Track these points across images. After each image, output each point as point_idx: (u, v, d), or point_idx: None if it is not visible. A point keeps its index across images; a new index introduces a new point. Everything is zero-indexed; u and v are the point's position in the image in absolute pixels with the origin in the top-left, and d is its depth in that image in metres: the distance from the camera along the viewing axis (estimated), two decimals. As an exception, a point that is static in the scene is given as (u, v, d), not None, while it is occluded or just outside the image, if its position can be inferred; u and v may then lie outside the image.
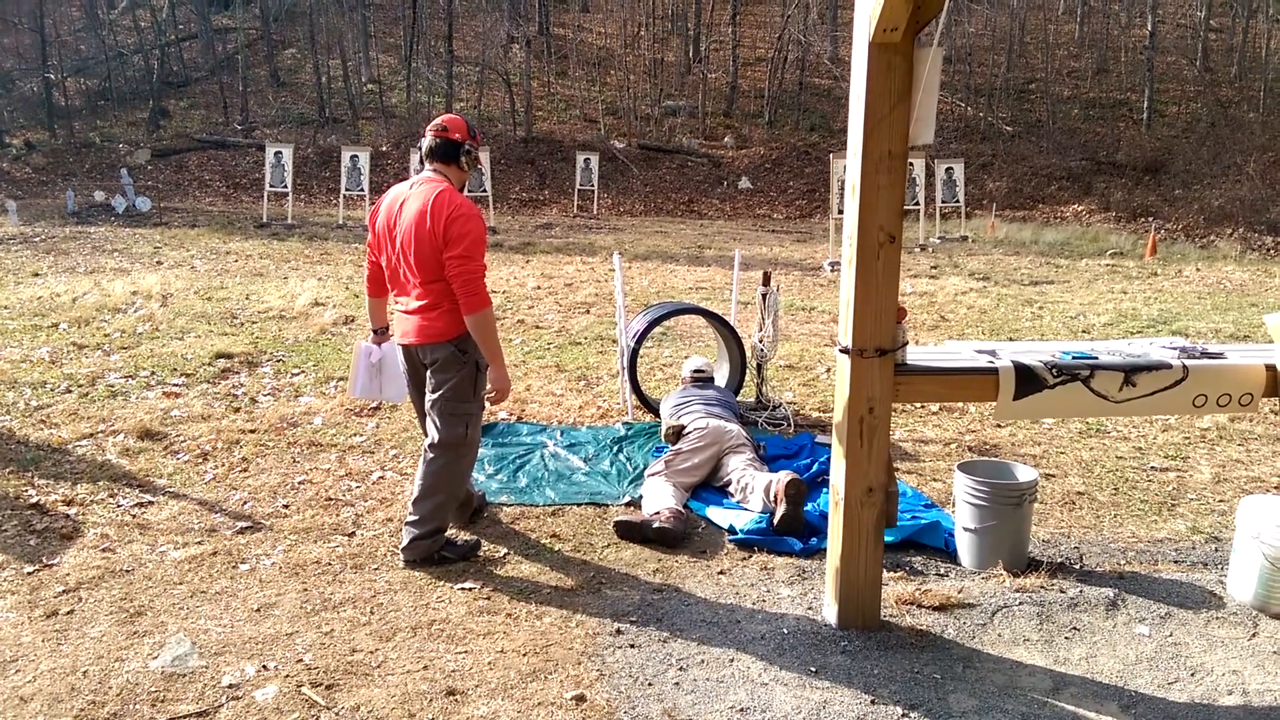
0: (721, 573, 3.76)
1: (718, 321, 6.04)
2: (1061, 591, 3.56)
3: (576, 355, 7.46)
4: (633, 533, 4.05)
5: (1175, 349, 3.50)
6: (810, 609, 3.43)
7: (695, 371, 5.57)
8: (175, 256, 12.51)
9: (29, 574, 3.64)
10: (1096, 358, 3.36)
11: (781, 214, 22.77)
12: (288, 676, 2.95)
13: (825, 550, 3.84)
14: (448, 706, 2.81)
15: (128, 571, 3.68)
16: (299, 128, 25.39)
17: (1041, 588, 3.58)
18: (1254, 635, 3.29)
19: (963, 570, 3.80)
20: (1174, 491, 4.75)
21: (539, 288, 10.78)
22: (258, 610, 3.39)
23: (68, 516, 4.18)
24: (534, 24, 31.95)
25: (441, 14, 29.50)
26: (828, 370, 7.08)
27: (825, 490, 4.35)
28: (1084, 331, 8.88)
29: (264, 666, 3.01)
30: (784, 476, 4.16)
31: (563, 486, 4.67)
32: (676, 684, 2.94)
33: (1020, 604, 3.46)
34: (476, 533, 4.09)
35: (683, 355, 7.58)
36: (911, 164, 15.00)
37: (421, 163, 3.83)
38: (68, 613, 3.35)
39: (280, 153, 16.82)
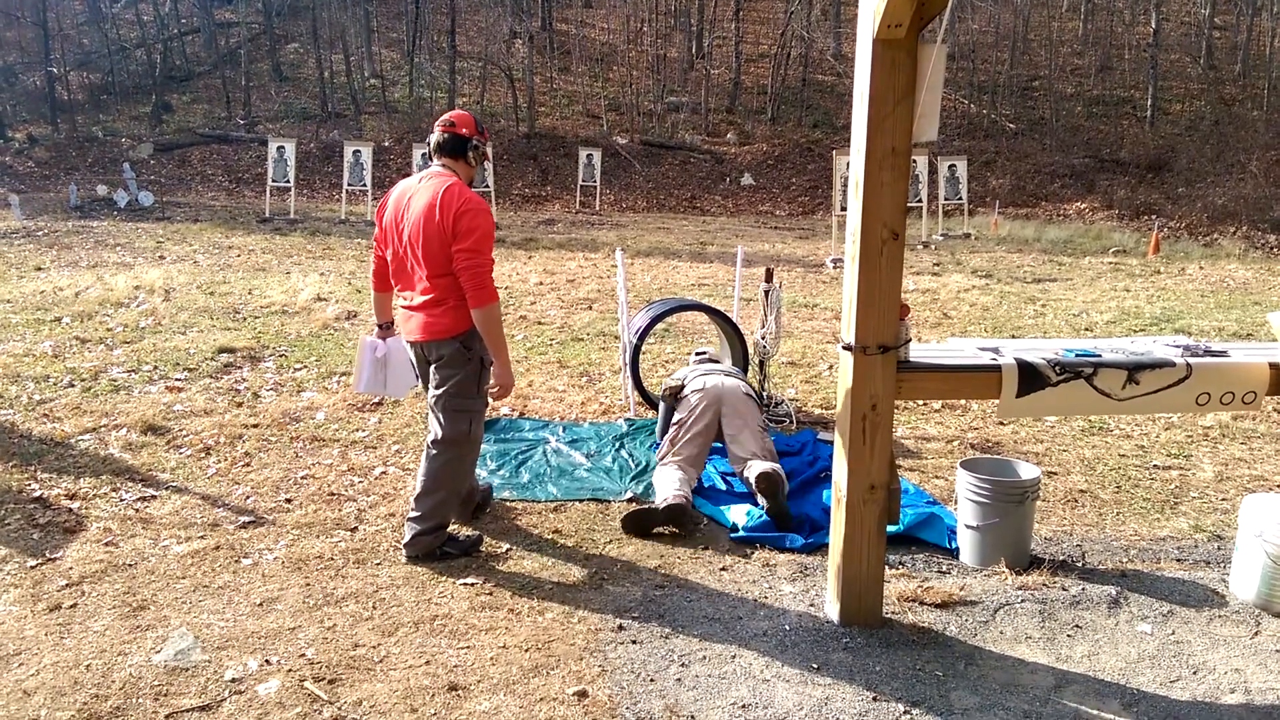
0: (723, 569, 3.76)
1: (720, 318, 6.03)
2: (1064, 589, 3.56)
3: (579, 351, 7.46)
4: (641, 523, 4.05)
5: (1178, 347, 3.49)
6: (812, 606, 3.43)
7: (699, 353, 5.47)
8: (178, 251, 12.52)
9: (32, 568, 3.65)
10: (1099, 355, 3.36)
11: (784, 210, 22.75)
12: (290, 671, 2.96)
13: (827, 546, 3.85)
14: (450, 701, 2.81)
15: (130, 566, 3.69)
16: (301, 122, 25.39)
17: (1044, 585, 3.58)
18: (1256, 634, 3.29)
19: (965, 568, 3.80)
20: (1177, 490, 4.74)
21: (541, 284, 10.78)
22: (260, 605, 3.39)
23: (70, 511, 4.19)
24: (537, 19, 31.92)
25: (444, 9, 29.48)
26: (830, 367, 7.08)
27: (828, 486, 4.34)
28: (1087, 329, 8.88)
29: (266, 661, 3.01)
30: (756, 468, 4.22)
31: (565, 482, 4.67)
32: (678, 680, 2.94)
33: (1022, 602, 3.46)
34: (479, 528, 4.09)
35: (685, 352, 7.58)
36: (914, 161, 14.97)
37: (428, 158, 3.83)
38: (71, 607, 3.36)
39: (283, 147, 16.81)
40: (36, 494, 4.34)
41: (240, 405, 5.77)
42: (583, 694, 2.86)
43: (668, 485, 4.24)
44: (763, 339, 5.93)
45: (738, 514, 4.23)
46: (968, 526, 3.80)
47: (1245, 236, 17.88)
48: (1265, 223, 18.54)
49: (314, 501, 4.38)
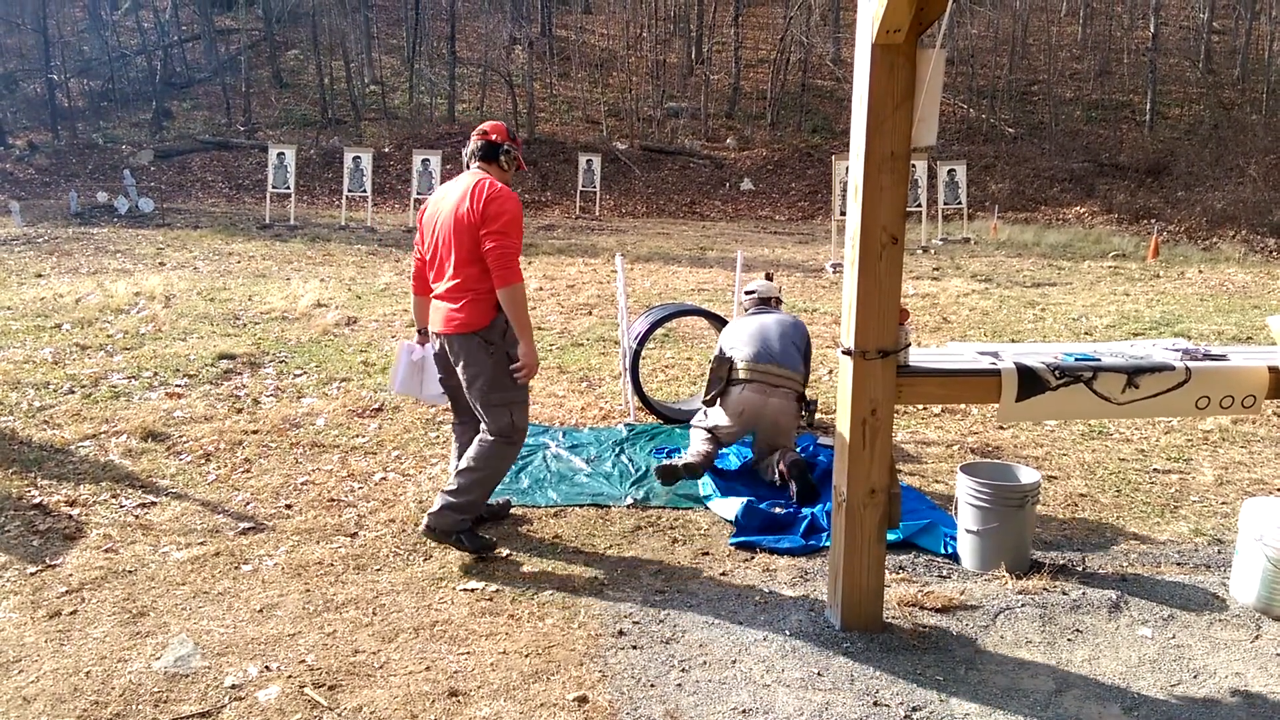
0: (724, 574, 3.76)
1: (720, 323, 6.03)
2: (1064, 593, 3.56)
3: (579, 357, 7.47)
4: (668, 474, 4.52)
5: (1178, 351, 3.49)
6: (813, 610, 3.43)
7: (748, 293, 5.34)
8: (178, 257, 12.53)
9: (32, 574, 3.65)
10: (1099, 359, 3.36)
11: (784, 215, 22.76)
12: (290, 677, 2.95)
13: (827, 550, 3.85)
14: (450, 707, 2.81)
15: (130, 572, 3.69)
16: (302, 129, 25.42)
17: (1044, 590, 3.58)
18: (1257, 637, 3.29)
19: (965, 572, 3.79)
20: (1176, 494, 4.74)
21: (541, 289, 10.78)
22: (260, 611, 3.39)
23: (70, 517, 4.19)
24: (536, 25, 31.98)
25: (444, 15, 29.54)
26: (830, 372, 7.08)
27: (828, 490, 4.35)
28: (1086, 333, 8.88)
29: (266, 667, 3.01)
30: (785, 458, 4.61)
31: (565, 487, 4.67)
32: (679, 685, 2.94)
33: (1023, 606, 3.46)
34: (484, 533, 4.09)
35: (685, 357, 7.59)
36: (914, 166, 15.00)
37: (466, 166, 3.95)
38: (71, 613, 3.36)
39: (283, 154, 16.83)
40: (36, 500, 4.34)
41: (240, 411, 5.77)
42: (583, 699, 2.85)
43: (695, 445, 4.75)
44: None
45: (728, 507, 4.31)
46: (968, 531, 3.80)
47: (1244, 240, 17.89)
48: (1264, 226, 18.55)
49: (314, 507, 4.38)
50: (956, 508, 3.89)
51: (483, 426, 3.85)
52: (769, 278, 5.85)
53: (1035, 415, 3.39)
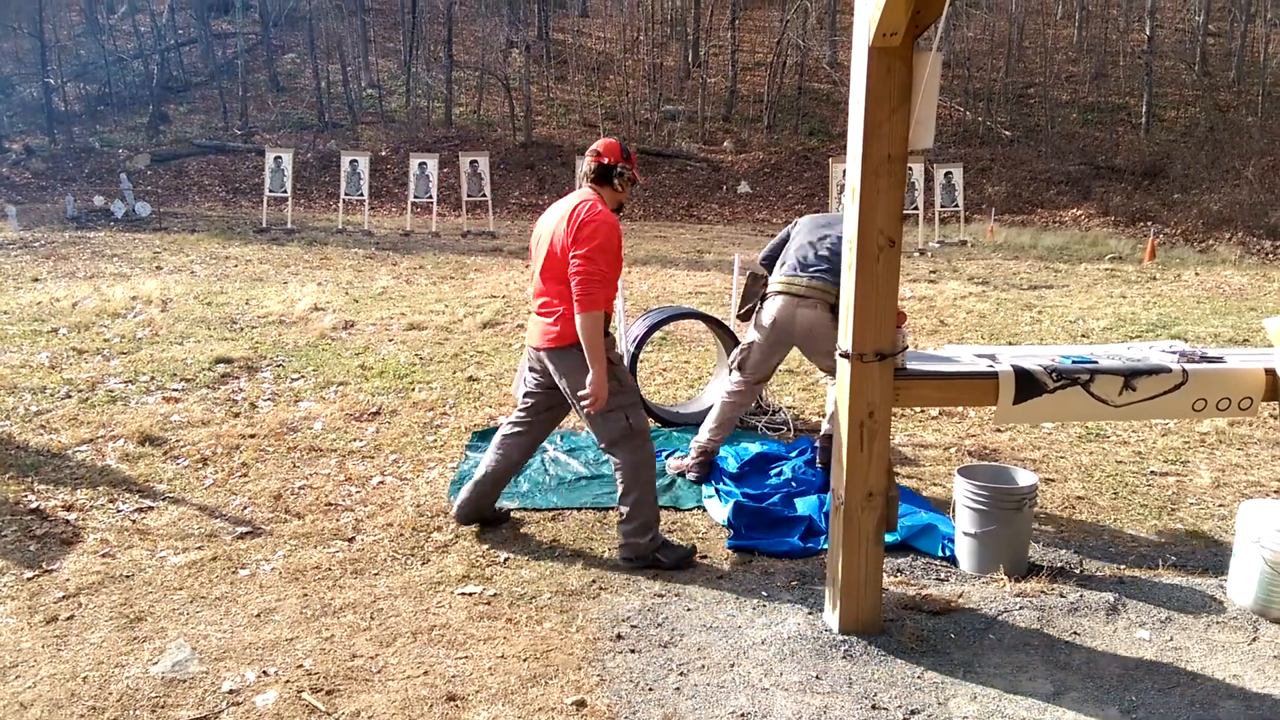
0: (721, 577, 3.75)
1: (718, 326, 6.04)
2: (1062, 596, 3.56)
3: (576, 360, 7.46)
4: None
5: (1175, 353, 3.50)
6: (811, 614, 3.43)
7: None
8: (175, 261, 12.52)
9: (29, 579, 3.64)
10: (1096, 362, 3.37)
11: (781, 218, 22.76)
12: (288, 682, 2.95)
13: (825, 552, 3.86)
14: (448, 712, 2.80)
15: (127, 577, 3.68)
16: (298, 132, 25.40)
17: (1042, 592, 3.58)
18: (1254, 640, 3.29)
19: (963, 575, 3.80)
20: (1174, 496, 4.75)
21: (538, 292, 10.77)
22: (258, 615, 3.38)
23: (67, 522, 4.18)
24: (533, 29, 31.99)
25: (441, 19, 29.55)
26: (827, 374, 7.08)
27: (826, 492, 4.36)
28: (1083, 336, 8.89)
29: (264, 672, 3.01)
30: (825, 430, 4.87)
31: (564, 491, 4.67)
32: (677, 689, 2.94)
33: (1021, 609, 3.46)
34: (485, 540, 4.09)
35: (683, 360, 7.59)
36: (910, 169, 15.00)
37: (580, 185, 4.00)
38: (68, 618, 3.35)
39: (280, 158, 16.82)
40: (33, 505, 4.33)
41: (237, 415, 5.76)
42: (581, 704, 2.85)
43: (690, 455, 4.96)
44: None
45: (720, 510, 4.35)
46: (966, 534, 3.80)
47: (1241, 242, 17.92)
48: (1260, 228, 18.58)
49: (311, 512, 4.37)
50: (954, 510, 3.90)
51: (600, 444, 3.87)
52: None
53: (1032, 418, 3.40)
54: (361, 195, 16.93)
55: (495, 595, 3.56)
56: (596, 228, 3.65)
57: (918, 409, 6.05)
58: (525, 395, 4.14)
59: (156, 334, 7.80)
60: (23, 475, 4.68)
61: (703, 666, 3.07)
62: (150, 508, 4.37)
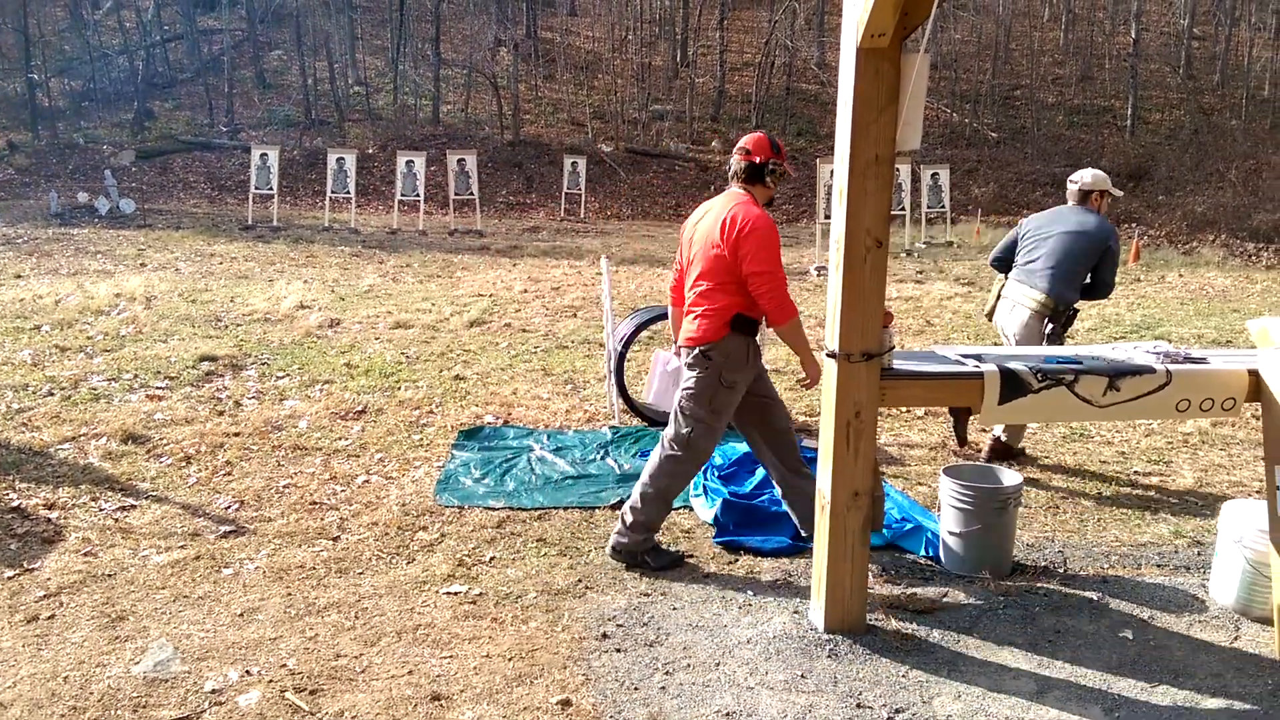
0: (707, 576, 3.76)
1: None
2: (1045, 595, 3.58)
3: (563, 359, 7.46)
4: None
5: (1158, 354, 3.52)
6: (797, 613, 3.43)
7: (1072, 181, 5.24)
8: (159, 259, 12.43)
9: (9, 578, 3.61)
10: (1080, 362, 3.39)
11: (768, 218, 22.79)
12: (271, 682, 2.93)
13: (811, 551, 3.86)
14: (432, 712, 2.79)
15: (109, 576, 3.65)
16: (285, 130, 25.27)
17: (1026, 591, 3.60)
18: (1236, 639, 3.32)
19: (948, 574, 3.81)
20: (1157, 496, 4.78)
21: (526, 291, 10.76)
22: (241, 615, 3.36)
23: (49, 520, 4.14)
24: (521, 27, 31.91)
25: (429, 16, 29.45)
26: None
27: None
28: (1069, 337, 8.92)
29: (247, 672, 2.99)
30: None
31: (550, 490, 4.66)
32: (663, 688, 2.94)
33: (1005, 608, 3.47)
34: (464, 536, 4.08)
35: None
36: (898, 170, 15.07)
37: (728, 183, 3.96)
38: (49, 618, 3.32)
39: (266, 155, 16.73)
40: (15, 503, 4.30)
41: (222, 414, 5.73)
42: (566, 703, 2.85)
43: None
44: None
45: (707, 508, 4.38)
46: (951, 533, 3.81)
47: (1224, 244, 18.05)
48: (1244, 231, 18.72)
49: (296, 510, 4.35)
50: (940, 510, 3.91)
51: (665, 433, 3.90)
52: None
53: (1018, 417, 3.41)
54: (348, 193, 16.86)
55: (481, 594, 3.55)
56: (762, 238, 3.64)
57: (904, 409, 6.07)
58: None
59: (140, 331, 7.75)
60: (4, 473, 4.64)
61: (688, 665, 3.07)
62: (133, 506, 4.34)
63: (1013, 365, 3.31)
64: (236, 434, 5.35)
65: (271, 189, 16.70)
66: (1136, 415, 3.45)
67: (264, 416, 5.66)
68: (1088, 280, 5.07)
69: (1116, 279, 5.05)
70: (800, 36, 30.47)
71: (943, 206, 17.58)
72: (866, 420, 3.15)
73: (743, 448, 5.18)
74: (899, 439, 5.65)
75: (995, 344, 5.40)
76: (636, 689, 2.93)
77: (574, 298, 10.35)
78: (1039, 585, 3.65)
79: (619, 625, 3.33)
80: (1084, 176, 5.21)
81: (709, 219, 3.82)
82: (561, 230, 18.69)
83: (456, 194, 17.38)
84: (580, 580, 3.69)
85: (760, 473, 4.84)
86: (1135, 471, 5.13)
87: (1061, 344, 5.22)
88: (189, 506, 4.36)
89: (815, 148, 25.81)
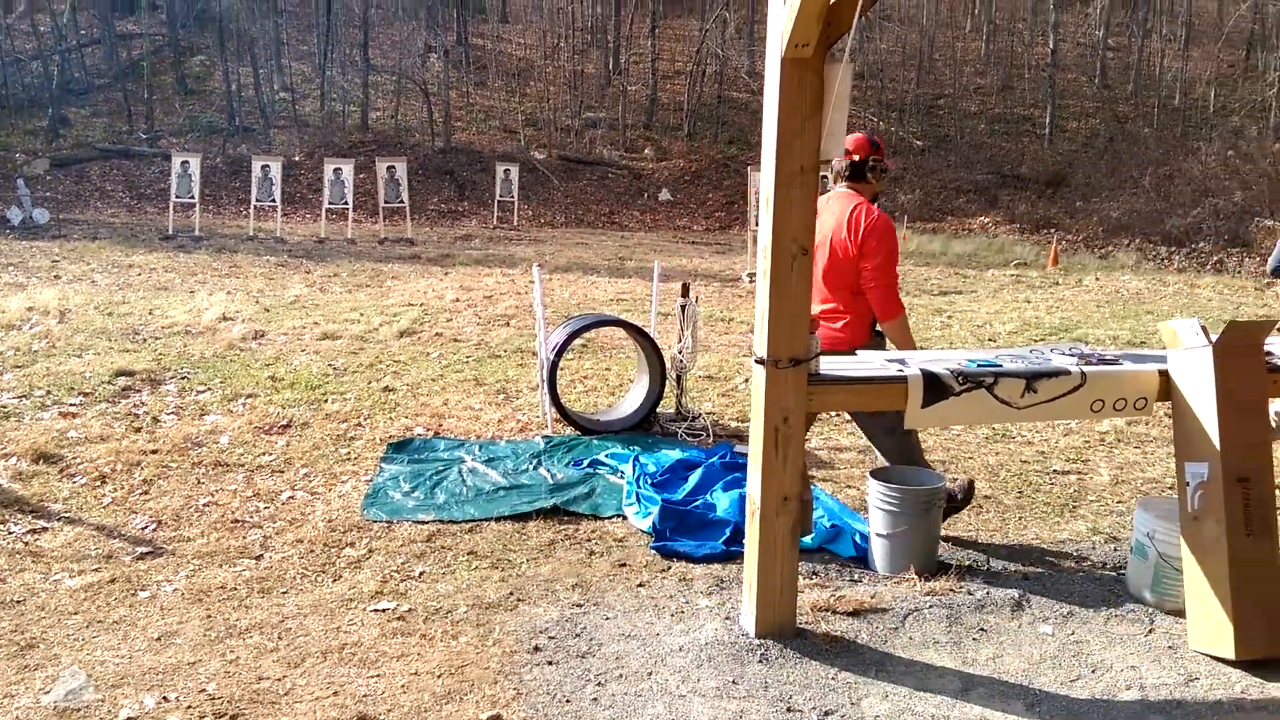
0: (641, 585, 3.75)
1: (637, 333, 6.05)
2: (969, 594, 3.65)
3: (496, 368, 7.39)
4: None
5: (1074, 356, 3.63)
6: (728, 618, 3.45)
7: None
8: (74, 270, 12.00)
9: (-92, 608, 3.44)
10: (1000, 365, 3.47)
11: (701, 226, 22.96)
12: (190, 708, 2.84)
13: (743, 555, 3.88)
14: (359, 732, 2.73)
15: (19, 602, 3.50)
16: (208, 137, 24.63)
17: (951, 590, 3.67)
18: (1150, 631, 3.43)
19: (876, 575, 3.86)
20: (1075, 494, 4.92)
21: (458, 300, 10.65)
22: (158, 639, 3.25)
23: (-48, 546, 3.96)
24: (452, 34, 31.64)
25: (357, 21, 29.02)
26: (746, 380, 7.15)
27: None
28: (990, 339, 9.16)
29: (164, 698, 2.89)
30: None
31: (481, 502, 4.61)
32: (594, 700, 2.92)
33: (930, 607, 3.54)
34: (393, 551, 4.00)
35: (604, 368, 7.58)
36: (824, 177, 15.26)
37: (833, 183, 4.08)
38: (-50, 648, 3.17)
39: (187, 162, 16.30)
40: (-86, 529, 4.09)
41: (139, 430, 5.54)
42: (497, 718, 2.81)
43: None
44: (680, 354, 5.96)
45: (642, 516, 4.37)
46: (878, 535, 3.87)
47: (1138, 248, 18.74)
48: (1157, 235, 19.47)
49: (216, 529, 4.23)
50: (868, 513, 3.96)
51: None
52: (685, 289, 5.82)
53: (940, 420, 3.48)
54: (274, 201, 16.50)
55: (409, 611, 3.49)
56: (882, 237, 3.83)
57: (832, 413, 6.15)
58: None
59: (54, 346, 7.47)
60: (-97, 497, 4.42)
61: (620, 676, 3.06)
62: (44, 529, 4.17)
63: (934, 369, 3.37)
64: (154, 451, 5.18)
65: (193, 197, 16.26)
66: (1054, 416, 3.55)
67: (183, 432, 5.49)
68: None
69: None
70: (731, 45, 30.77)
71: (871, 213, 17.87)
72: (794, 425, 3.18)
73: (676, 455, 5.20)
74: (829, 443, 5.73)
75: (920, 348, 5.50)
76: (568, 701, 2.91)
77: (507, 306, 10.27)
78: (963, 584, 3.72)
79: (551, 637, 3.30)
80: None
81: (827, 227, 3.90)
82: (494, 238, 18.55)
83: (386, 202, 17.14)
84: (512, 593, 3.66)
85: (693, 480, 4.86)
86: (1054, 470, 5.28)
87: None
88: (104, 528, 4.20)
89: (747, 155, 26.06)
